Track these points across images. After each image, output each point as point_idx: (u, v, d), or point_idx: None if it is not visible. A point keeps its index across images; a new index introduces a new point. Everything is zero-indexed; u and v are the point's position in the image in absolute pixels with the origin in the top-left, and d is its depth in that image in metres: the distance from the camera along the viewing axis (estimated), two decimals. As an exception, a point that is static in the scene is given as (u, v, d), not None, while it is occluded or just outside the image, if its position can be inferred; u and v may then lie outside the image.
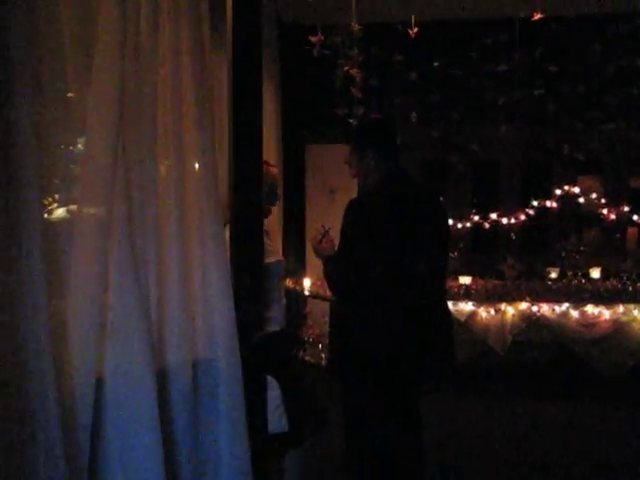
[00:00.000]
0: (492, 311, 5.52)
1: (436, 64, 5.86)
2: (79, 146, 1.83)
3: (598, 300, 5.47)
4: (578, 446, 4.48)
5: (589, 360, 5.44)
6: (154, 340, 1.89)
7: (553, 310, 5.47)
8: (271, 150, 5.20)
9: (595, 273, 5.93)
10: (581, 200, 6.44)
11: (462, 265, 6.30)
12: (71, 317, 1.67)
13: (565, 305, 5.46)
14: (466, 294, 5.62)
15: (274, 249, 3.14)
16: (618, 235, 6.61)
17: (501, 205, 6.88)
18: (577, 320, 5.43)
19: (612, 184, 6.71)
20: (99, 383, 1.73)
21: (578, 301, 5.49)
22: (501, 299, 5.58)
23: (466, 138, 6.50)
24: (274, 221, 4.78)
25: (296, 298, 5.38)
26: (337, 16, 4.88)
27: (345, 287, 3.04)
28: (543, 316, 5.47)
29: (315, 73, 5.32)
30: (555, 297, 5.57)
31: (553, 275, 6.01)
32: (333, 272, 3.07)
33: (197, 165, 2.13)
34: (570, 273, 5.96)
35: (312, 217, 5.99)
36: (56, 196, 1.77)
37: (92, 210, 1.70)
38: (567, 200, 6.44)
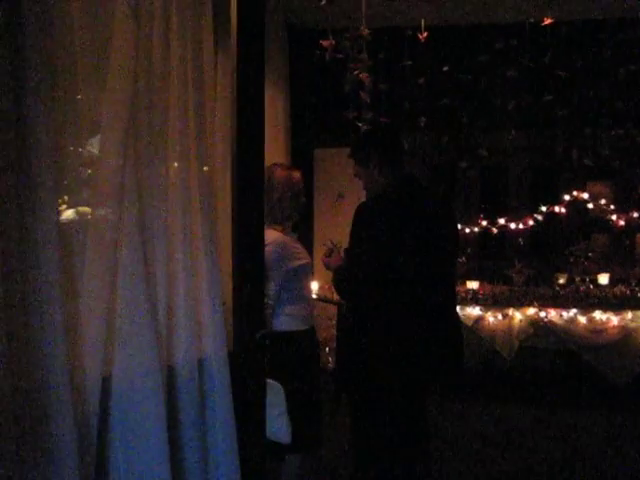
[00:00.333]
0: (499, 316, 5.51)
1: (445, 69, 5.85)
2: (88, 148, 1.84)
3: (606, 306, 5.45)
4: (585, 453, 4.46)
5: (597, 366, 5.41)
6: (162, 339, 1.91)
7: (561, 316, 5.45)
8: (279, 154, 5.20)
9: (603, 279, 5.90)
10: (590, 206, 6.42)
11: (470, 270, 6.29)
12: (82, 317, 1.68)
13: (573, 311, 5.44)
14: (474, 299, 5.62)
15: (302, 253, 3.16)
16: (627, 241, 6.58)
17: (509, 210, 6.86)
18: (585, 326, 5.41)
19: (621, 190, 6.68)
20: (107, 382, 1.74)
21: (586, 307, 5.47)
22: (509, 304, 5.57)
23: (475, 143, 6.49)
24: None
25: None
26: (346, 20, 4.89)
27: (353, 292, 3.06)
28: (551, 322, 5.45)
29: (324, 77, 5.32)
30: (563, 303, 5.55)
31: (561, 281, 5.99)
32: (341, 281, 3.11)
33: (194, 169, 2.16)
34: (578, 279, 5.94)
35: (320, 221, 5.99)
36: (65, 197, 1.78)
37: (102, 212, 1.71)
38: (576, 206, 6.42)
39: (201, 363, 2.13)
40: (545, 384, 5.68)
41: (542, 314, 5.46)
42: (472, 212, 6.89)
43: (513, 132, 6.05)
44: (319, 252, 3.40)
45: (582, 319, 5.41)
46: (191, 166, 2.12)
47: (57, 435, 1.51)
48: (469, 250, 6.49)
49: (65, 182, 1.79)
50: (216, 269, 2.17)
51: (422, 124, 5.84)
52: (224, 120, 2.47)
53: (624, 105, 5.92)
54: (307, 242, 6.03)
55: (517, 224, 6.44)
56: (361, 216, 2.96)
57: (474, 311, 5.53)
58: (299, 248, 3.17)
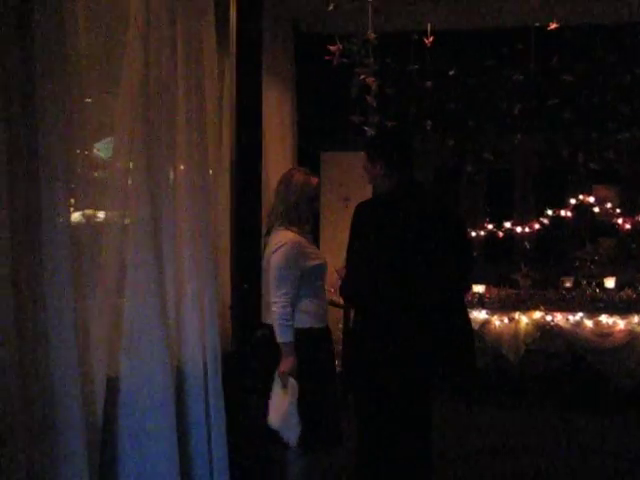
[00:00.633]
0: (506, 320, 5.50)
1: (451, 73, 5.86)
2: (95, 151, 1.87)
3: (612, 310, 5.44)
4: (591, 456, 4.45)
5: (603, 370, 5.41)
6: (171, 340, 1.93)
7: (567, 319, 5.44)
8: (286, 157, 5.23)
9: (610, 283, 5.88)
10: (596, 209, 6.42)
11: (476, 273, 6.27)
12: (92, 317, 1.71)
13: (579, 315, 5.44)
14: (480, 302, 5.62)
15: (317, 253, 3.30)
16: (633, 245, 6.57)
17: (515, 214, 6.86)
18: (591, 330, 5.40)
19: (627, 193, 6.67)
20: (115, 381, 1.76)
21: (592, 311, 5.46)
22: (515, 308, 5.57)
23: (481, 147, 6.49)
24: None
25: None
26: (353, 25, 4.90)
27: (350, 291, 3.14)
28: (557, 325, 5.44)
29: (331, 81, 5.34)
30: (569, 306, 5.54)
31: (567, 284, 5.97)
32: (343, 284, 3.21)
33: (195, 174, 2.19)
34: (584, 282, 5.92)
35: (326, 224, 6.00)
36: (75, 200, 1.81)
37: (111, 214, 1.73)
38: (582, 209, 6.42)
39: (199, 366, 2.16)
40: (551, 388, 5.67)
41: (548, 318, 5.46)
42: (478, 216, 6.89)
43: (519, 136, 6.06)
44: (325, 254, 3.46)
45: (588, 323, 5.40)
46: (194, 169, 2.15)
47: (67, 434, 1.53)
48: (475, 253, 6.48)
49: (74, 185, 1.81)
50: (214, 270, 2.20)
51: (428, 128, 5.86)
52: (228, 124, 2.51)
53: (629, 109, 5.93)
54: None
55: (523, 228, 6.44)
56: (357, 216, 3.05)
57: (480, 315, 5.53)
58: (314, 249, 3.30)
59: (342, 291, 3.28)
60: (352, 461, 3.25)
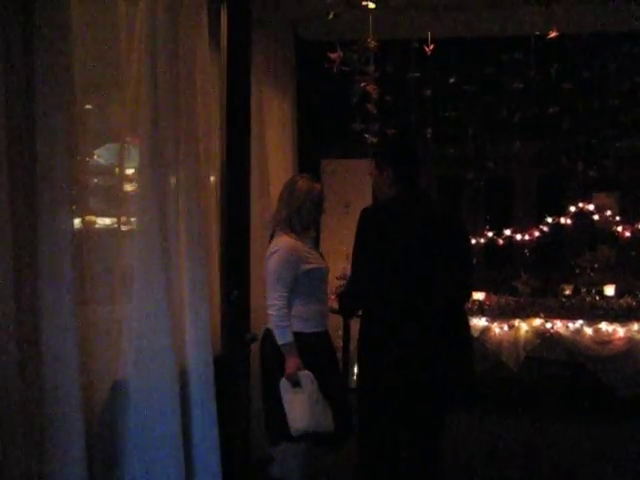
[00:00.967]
0: (505, 327, 5.51)
1: (452, 80, 5.88)
2: (95, 157, 1.89)
3: (612, 317, 5.44)
4: (590, 464, 4.45)
5: (603, 377, 5.40)
6: (177, 341, 1.95)
7: (567, 327, 5.44)
8: (287, 164, 5.24)
9: (609, 290, 5.89)
10: (596, 217, 6.43)
11: (476, 281, 6.27)
12: (96, 321, 1.72)
13: (579, 322, 5.44)
14: (480, 310, 5.62)
15: (315, 257, 3.33)
16: (633, 252, 6.57)
17: (515, 221, 6.87)
18: (591, 337, 5.40)
19: (627, 201, 6.68)
20: (121, 383, 1.77)
21: (592, 318, 5.46)
22: (515, 315, 5.57)
23: (481, 155, 6.51)
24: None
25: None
26: (353, 33, 4.92)
27: (350, 295, 3.23)
28: (557, 333, 5.45)
29: (331, 89, 5.36)
30: (569, 314, 5.54)
31: (567, 292, 5.97)
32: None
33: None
34: (584, 290, 5.93)
35: (327, 231, 6.00)
36: (77, 206, 1.82)
37: (115, 218, 1.75)
38: (581, 217, 6.43)
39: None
40: (551, 395, 5.67)
41: (548, 325, 5.46)
42: (478, 223, 6.90)
43: (519, 144, 6.07)
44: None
45: (588, 330, 5.41)
46: (190, 174, 2.18)
47: (69, 435, 1.54)
48: (475, 261, 6.48)
49: (74, 191, 1.83)
50: (204, 274, 2.23)
51: (428, 135, 5.88)
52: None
53: (629, 117, 5.94)
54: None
55: (523, 235, 6.45)
56: (362, 221, 3.08)
57: (480, 322, 5.54)
58: (312, 253, 3.32)
59: (346, 294, 3.33)
60: (352, 462, 3.27)
